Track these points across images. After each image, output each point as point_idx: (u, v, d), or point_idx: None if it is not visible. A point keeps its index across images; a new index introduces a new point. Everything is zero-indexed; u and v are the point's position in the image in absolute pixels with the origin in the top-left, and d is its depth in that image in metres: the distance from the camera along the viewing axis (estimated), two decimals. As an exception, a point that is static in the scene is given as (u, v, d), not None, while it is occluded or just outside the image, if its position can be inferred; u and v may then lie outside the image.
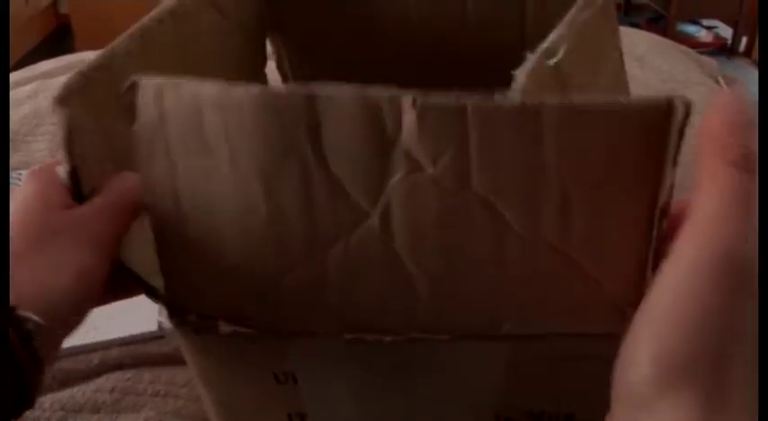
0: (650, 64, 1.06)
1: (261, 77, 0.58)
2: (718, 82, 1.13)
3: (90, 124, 0.37)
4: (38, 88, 0.97)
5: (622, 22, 1.28)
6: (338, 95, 0.28)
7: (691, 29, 3.03)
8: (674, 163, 0.28)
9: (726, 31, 3.02)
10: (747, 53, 2.90)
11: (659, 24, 2.88)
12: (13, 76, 1.05)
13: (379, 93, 0.28)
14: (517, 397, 0.37)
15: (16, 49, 2.67)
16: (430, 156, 0.28)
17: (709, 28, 3.05)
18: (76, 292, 0.34)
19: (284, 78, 0.62)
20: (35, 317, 0.31)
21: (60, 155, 0.35)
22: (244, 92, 0.29)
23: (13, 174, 0.76)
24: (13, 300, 0.31)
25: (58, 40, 3.05)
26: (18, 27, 2.76)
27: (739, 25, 2.88)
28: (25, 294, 0.32)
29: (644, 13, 3.17)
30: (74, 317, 0.34)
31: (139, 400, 0.55)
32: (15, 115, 0.89)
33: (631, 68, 1.05)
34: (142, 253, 0.35)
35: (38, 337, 0.31)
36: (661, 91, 0.97)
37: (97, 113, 0.37)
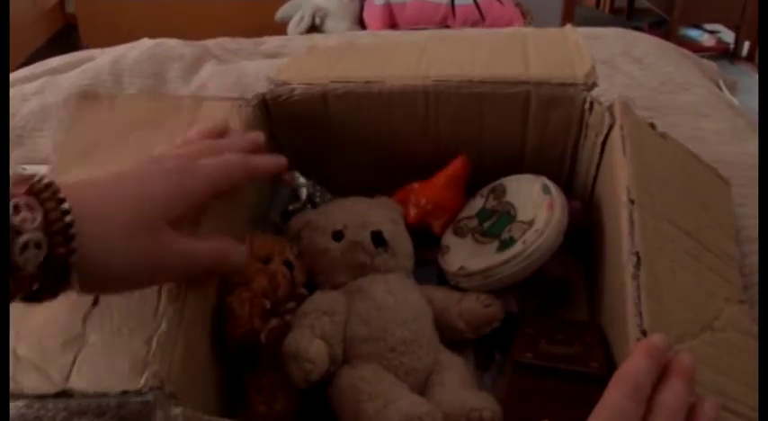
0: (650, 66, 1.06)
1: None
2: (718, 85, 1.13)
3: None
4: (44, 84, 0.98)
5: (625, 26, 1.29)
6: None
7: (693, 33, 3.03)
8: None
9: (728, 36, 3.03)
10: (750, 58, 2.91)
11: (662, 28, 2.89)
12: (21, 73, 1.06)
13: None
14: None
15: (23, 48, 2.68)
16: None
17: (711, 32, 3.06)
18: (137, 275, 0.40)
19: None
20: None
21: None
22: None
23: (18, 169, 0.77)
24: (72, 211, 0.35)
25: (64, 40, 3.06)
26: (25, 26, 2.77)
27: (741, 30, 2.88)
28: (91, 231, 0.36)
29: (647, 17, 3.18)
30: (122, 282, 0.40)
31: (144, 408, 0.55)
32: (22, 110, 0.90)
33: (631, 70, 1.06)
34: None
35: (78, 253, 0.36)
36: (660, 92, 0.98)
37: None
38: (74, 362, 0.43)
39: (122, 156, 0.55)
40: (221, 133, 0.52)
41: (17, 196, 0.34)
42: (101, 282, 0.39)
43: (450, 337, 0.55)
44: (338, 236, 0.56)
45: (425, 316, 0.54)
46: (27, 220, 0.33)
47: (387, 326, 0.51)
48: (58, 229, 0.34)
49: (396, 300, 0.53)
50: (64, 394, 0.42)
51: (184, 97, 0.63)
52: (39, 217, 0.34)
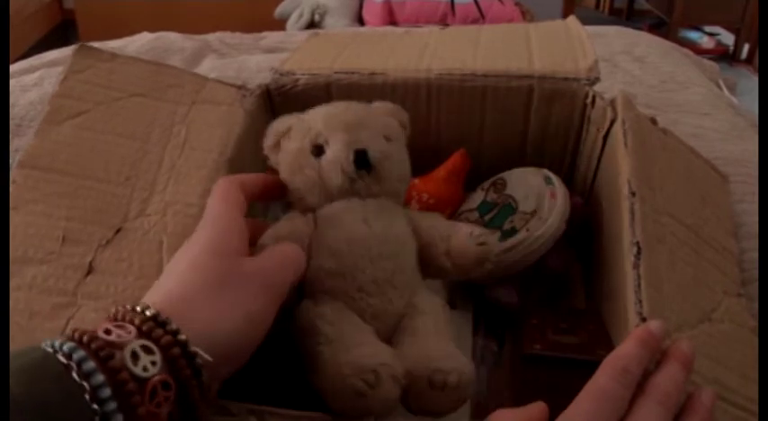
0: (650, 64, 1.06)
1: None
2: (718, 85, 1.13)
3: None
4: (43, 75, 0.98)
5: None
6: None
7: (693, 35, 3.04)
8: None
9: (728, 38, 3.03)
10: (749, 60, 2.91)
11: (661, 30, 2.90)
12: (20, 65, 1.06)
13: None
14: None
15: (21, 43, 2.68)
16: None
17: (711, 34, 3.06)
18: (244, 335, 0.37)
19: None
20: (204, 354, 0.34)
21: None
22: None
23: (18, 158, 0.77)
24: (186, 336, 0.34)
25: (62, 34, 3.06)
26: (23, 21, 2.77)
27: (741, 32, 2.89)
28: (197, 333, 0.34)
29: (646, 18, 3.19)
30: (238, 356, 0.37)
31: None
32: (22, 101, 0.90)
33: (632, 68, 1.06)
34: None
35: (205, 372, 0.34)
36: (660, 90, 0.98)
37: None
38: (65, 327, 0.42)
39: (120, 121, 0.54)
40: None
41: (127, 338, 0.32)
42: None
43: (434, 276, 0.50)
44: (319, 150, 0.48)
45: (406, 251, 0.47)
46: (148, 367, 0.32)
47: (357, 262, 0.45)
48: (178, 356, 0.33)
49: (371, 231, 0.46)
50: None
51: (187, 72, 0.61)
52: (158, 359, 0.32)
